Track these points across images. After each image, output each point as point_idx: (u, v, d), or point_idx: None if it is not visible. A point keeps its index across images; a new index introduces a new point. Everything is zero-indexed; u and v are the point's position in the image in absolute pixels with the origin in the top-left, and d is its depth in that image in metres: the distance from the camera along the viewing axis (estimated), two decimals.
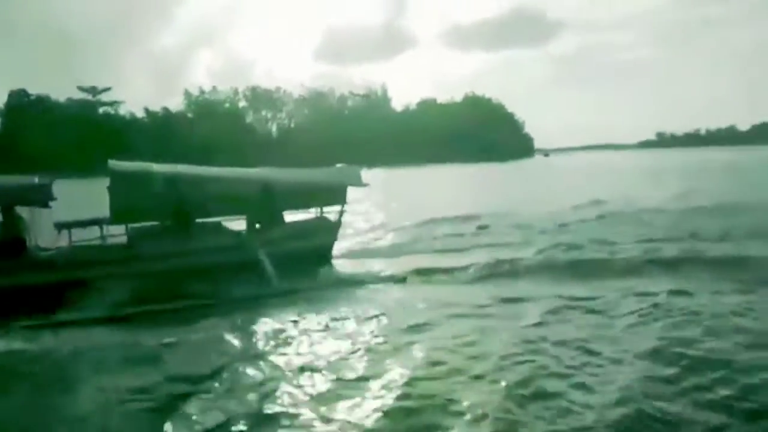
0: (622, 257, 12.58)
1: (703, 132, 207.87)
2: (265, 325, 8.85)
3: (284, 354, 7.58)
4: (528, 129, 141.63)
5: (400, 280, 11.90)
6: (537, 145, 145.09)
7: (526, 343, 7.41)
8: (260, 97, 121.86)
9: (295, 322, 8.94)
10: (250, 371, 7.00)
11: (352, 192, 13.93)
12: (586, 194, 24.12)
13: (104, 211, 11.97)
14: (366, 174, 14.36)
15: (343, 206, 13.64)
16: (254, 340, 8.25)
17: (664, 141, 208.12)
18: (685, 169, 49.04)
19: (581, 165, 76.91)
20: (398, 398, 6.01)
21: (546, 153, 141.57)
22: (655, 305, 8.73)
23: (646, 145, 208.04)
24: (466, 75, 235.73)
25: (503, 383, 6.18)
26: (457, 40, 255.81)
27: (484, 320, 8.63)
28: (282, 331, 8.54)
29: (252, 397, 6.28)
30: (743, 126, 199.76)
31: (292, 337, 8.24)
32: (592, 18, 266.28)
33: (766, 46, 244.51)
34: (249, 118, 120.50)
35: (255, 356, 7.53)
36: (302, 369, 6.97)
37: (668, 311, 8.42)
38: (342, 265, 13.60)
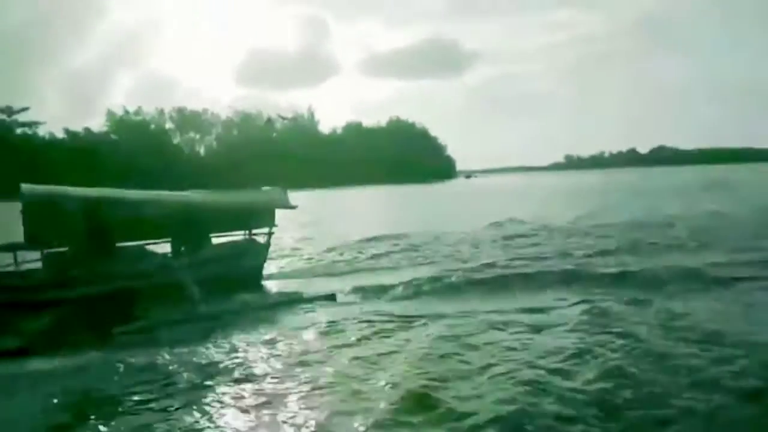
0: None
1: (607, 155, 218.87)
2: (190, 351, 8.29)
3: (211, 381, 7.09)
4: (449, 152, 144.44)
5: (329, 297, 11.64)
6: (458, 167, 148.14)
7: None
8: (187, 119, 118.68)
9: (222, 346, 8.44)
10: (171, 401, 6.50)
11: (280, 214, 13.57)
12: (505, 213, 24.62)
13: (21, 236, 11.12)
14: (295, 195, 14.05)
15: (271, 228, 13.25)
16: (177, 367, 7.70)
17: (573, 163, 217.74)
18: (594, 189, 51.24)
19: (503, 185, 79.13)
20: None
21: (468, 175, 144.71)
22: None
23: (556, 167, 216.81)
24: (384, 102, 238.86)
25: None
26: (374, 69, 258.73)
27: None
28: (208, 356, 8.03)
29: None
30: (643, 149, 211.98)
31: (221, 363, 7.75)
32: (503, 50, 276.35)
33: (657, 77, 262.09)
34: (176, 140, 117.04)
35: (175, 384, 7.00)
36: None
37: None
38: (272, 287, 13.19)
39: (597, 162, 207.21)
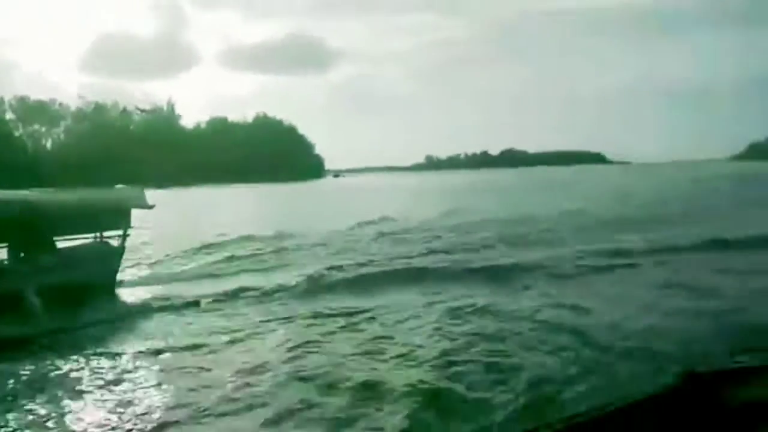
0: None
1: (462, 156, 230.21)
2: (24, 371, 7.11)
3: (45, 406, 6.07)
4: (318, 151, 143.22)
5: (193, 305, 10.74)
6: (327, 166, 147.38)
7: None
8: (31, 109, 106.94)
9: (63, 365, 7.33)
10: None
11: (137, 214, 12.35)
12: (376, 211, 24.66)
13: None
14: (154, 194, 12.89)
15: (126, 230, 11.99)
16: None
17: (433, 164, 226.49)
18: (453, 188, 53.42)
19: (371, 185, 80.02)
20: None
21: (336, 174, 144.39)
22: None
23: (417, 167, 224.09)
24: (247, 97, 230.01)
25: None
26: (235, 62, 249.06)
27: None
28: (44, 378, 6.92)
29: None
30: (494, 151, 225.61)
31: (60, 384, 6.70)
32: (366, 50, 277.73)
33: (510, 83, 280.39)
34: (18, 132, 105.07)
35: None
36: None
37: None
38: (128, 294, 11.94)
39: (454, 163, 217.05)
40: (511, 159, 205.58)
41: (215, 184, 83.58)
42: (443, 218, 22.96)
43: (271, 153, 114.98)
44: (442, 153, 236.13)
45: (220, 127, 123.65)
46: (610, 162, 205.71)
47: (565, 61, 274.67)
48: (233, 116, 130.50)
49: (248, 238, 18.62)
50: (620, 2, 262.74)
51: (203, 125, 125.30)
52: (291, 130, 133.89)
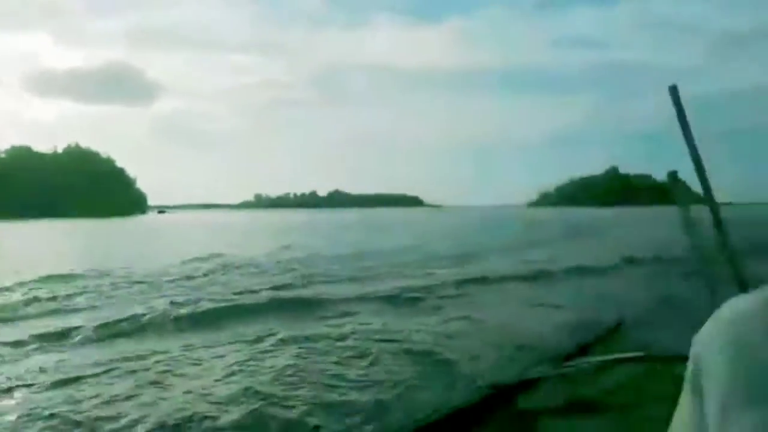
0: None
1: (292, 196, 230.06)
2: None
3: None
4: (140, 185, 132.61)
5: None
6: (150, 201, 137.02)
7: None
8: None
9: None
10: None
11: None
12: (205, 248, 22.71)
13: None
14: None
15: None
16: None
17: (261, 202, 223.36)
18: (287, 226, 52.42)
19: (198, 222, 75.38)
20: None
21: (161, 210, 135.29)
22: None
23: (246, 205, 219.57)
24: (57, 126, 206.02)
25: None
26: (41, 86, 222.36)
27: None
28: None
29: None
30: (322, 192, 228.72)
31: None
32: (189, 86, 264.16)
33: (334, 128, 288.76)
34: None
35: None
36: None
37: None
38: None
39: (283, 202, 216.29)
40: (338, 200, 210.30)
41: (18, 219, 72.68)
42: (284, 252, 22.00)
43: (85, 186, 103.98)
44: (271, 192, 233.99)
45: (23, 157, 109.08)
46: (426, 205, 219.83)
47: (384, 111, 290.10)
48: (40, 146, 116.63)
49: (70, 277, 15.58)
50: (432, 64, 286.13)
51: (2, 154, 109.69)
52: (108, 163, 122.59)
